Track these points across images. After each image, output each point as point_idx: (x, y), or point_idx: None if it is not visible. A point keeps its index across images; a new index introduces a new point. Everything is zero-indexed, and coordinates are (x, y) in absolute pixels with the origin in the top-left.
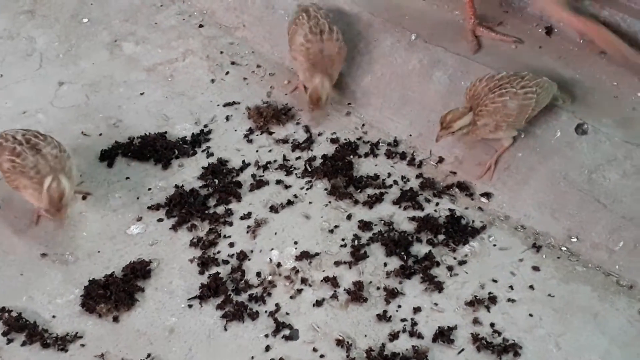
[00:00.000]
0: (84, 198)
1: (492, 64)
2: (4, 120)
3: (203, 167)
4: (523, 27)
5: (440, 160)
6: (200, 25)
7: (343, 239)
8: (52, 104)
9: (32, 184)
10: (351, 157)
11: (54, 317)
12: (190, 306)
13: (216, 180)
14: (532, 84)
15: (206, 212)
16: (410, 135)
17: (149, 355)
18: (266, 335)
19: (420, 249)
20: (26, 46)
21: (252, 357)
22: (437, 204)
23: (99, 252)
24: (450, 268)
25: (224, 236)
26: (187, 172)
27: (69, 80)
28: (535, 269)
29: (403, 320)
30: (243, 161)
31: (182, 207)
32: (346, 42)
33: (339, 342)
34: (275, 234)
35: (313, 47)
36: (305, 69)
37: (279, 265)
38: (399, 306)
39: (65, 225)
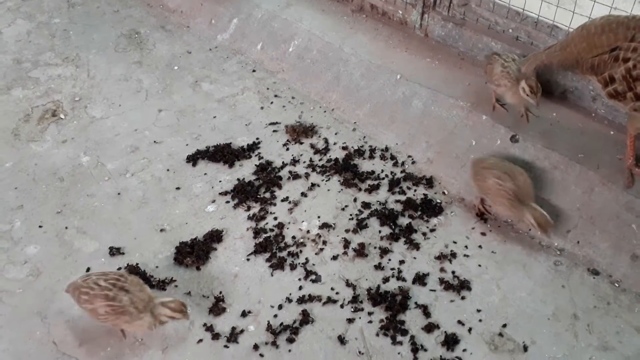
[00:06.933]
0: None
1: (455, 94)
2: (122, 135)
3: (256, 166)
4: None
5: (415, 161)
6: (254, 70)
7: (351, 215)
8: (154, 124)
9: (139, 319)
10: (356, 159)
11: (157, 267)
12: (248, 259)
13: (265, 175)
14: None
15: (258, 196)
16: (397, 144)
17: (220, 292)
18: (299, 279)
19: (404, 221)
20: (136, 85)
21: (290, 294)
22: (415, 191)
23: (186, 223)
24: (424, 234)
25: (270, 212)
26: (245, 170)
27: (165, 108)
28: (483, 234)
29: (392, 269)
30: (283, 162)
31: (242, 193)
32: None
33: (348, 284)
34: (305, 211)
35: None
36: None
37: (307, 232)
38: (389, 260)
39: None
